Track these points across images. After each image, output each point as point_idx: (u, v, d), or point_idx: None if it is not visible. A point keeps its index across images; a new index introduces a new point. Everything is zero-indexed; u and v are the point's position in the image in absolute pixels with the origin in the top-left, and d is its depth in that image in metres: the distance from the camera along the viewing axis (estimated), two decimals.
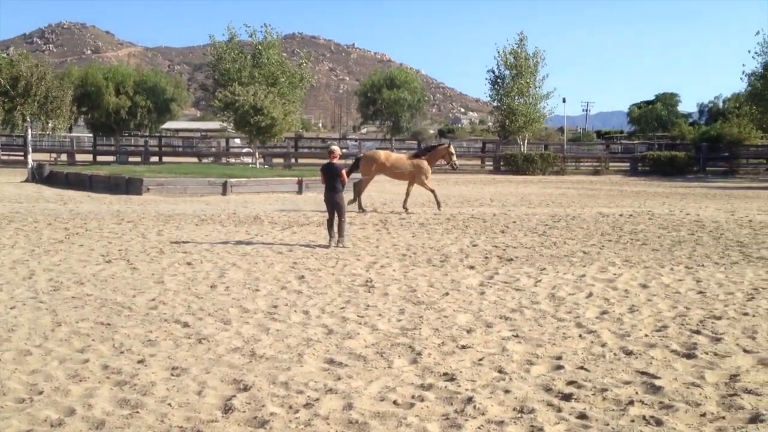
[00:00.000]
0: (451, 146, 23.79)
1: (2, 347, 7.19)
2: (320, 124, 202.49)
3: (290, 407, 5.66)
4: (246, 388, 6.07)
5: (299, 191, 29.25)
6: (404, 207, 22.09)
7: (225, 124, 50.47)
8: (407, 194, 22.56)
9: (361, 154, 27.75)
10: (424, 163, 22.70)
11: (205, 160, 53.40)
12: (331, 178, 14.74)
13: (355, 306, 9.29)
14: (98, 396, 5.86)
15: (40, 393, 5.91)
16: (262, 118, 42.92)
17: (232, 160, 53.45)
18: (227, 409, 5.61)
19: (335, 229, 14.59)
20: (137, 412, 5.52)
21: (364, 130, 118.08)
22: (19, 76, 35.13)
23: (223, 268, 11.88)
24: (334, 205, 14.64)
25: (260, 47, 50.38)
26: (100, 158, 53.84)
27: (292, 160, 52.52)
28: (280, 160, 52.66)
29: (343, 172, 14.86)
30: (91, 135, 63.38)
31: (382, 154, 23.63)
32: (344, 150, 48.42)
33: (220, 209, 22.00)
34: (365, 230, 17.18)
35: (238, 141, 61.17)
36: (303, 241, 15.21)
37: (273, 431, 5.18)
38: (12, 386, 6.04)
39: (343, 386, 6.16)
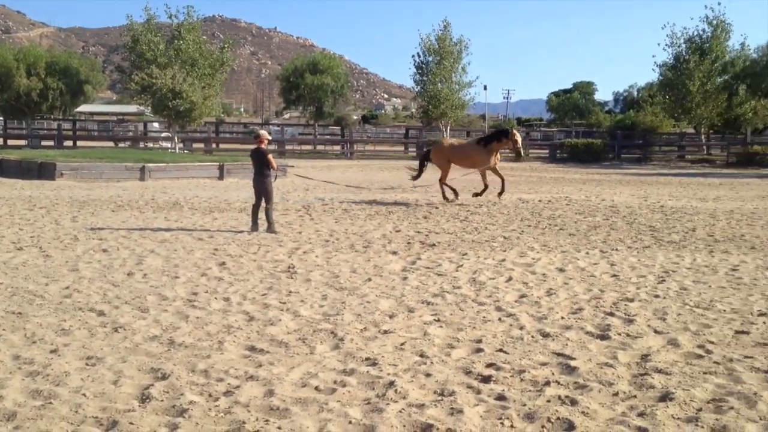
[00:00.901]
0: (517, 133, 21.55)
1: None
2: (242, 109, 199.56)
3: (210, 395, 5.59)
4: (164, 377, 5.96)
5: (220, 177, 28.83)
6: (478, 195, 21.46)
7: (142, 108, 49.25)
8: (485, 185, 21.40)
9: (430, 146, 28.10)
10: (492, 151, 20.98)
11: (121, 145, 51.99)
12: (259, 163, 14.59)
13: (277, 292, 9.23)
14: (9, 387, 5.65)
15: None
16: (181, 102, 42.08)
17: (151, 145, 52.26)
18: (144, 399, 5.50)
19: (261, 215, 14.47)
20: (50, 402, 5.36)
21: (286, 116, 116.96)
22: None
23: (141, 255, 11.61)
24: (261, 191, 14.51)
25: (179, 29, 49.23)
26: (11, 142, 51.90)
27: (213, 145, 51.67)
28: (201, 145, 51.77)
29: (270, 157, 14.69)
30: (0, 118, 60.88)
31: (448, 143, 22.93)
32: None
33: (137, 195, 21.48)
34: (288, 216, 17.06)
35: (156, 125, 59.75)
36: (224, 227, 15.00)
37: (192, 420, 5.10)
38: None
39: (265, 373, 6.11)
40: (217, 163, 30.05)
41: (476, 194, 21.43)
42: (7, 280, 9.59)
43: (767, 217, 18.09)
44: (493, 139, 21.27)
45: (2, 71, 53.35)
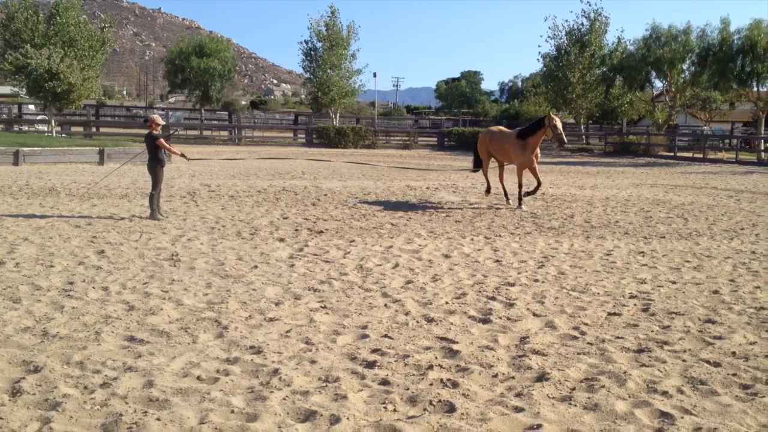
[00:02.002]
0: (556, 117, 17.05)
1: None
2: (125, 92, 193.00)
3: (85, 387, 5.39)
4: (36, 370, 5.70)
5: (101, 162, 27.75)
6: (516, 200, 18.18)
7: (17, 90, 46.74)
8: (519, 185, 18.03)
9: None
10: (529, 146, 17.33)
11: None
12: (150, 148, 14.19)
13: (159, 281, 8.98)
14: None
15: None
16: (58, 83, 40.17)
17: (26, 128, 49.72)
18: (15, 393, 5.25)
19: (155, 201, 14.11)
20: None
21: (172, 99, 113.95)
22: None
23: (14, 243, 11.05)
24: (151, 176, 14.18)
25: (57, 8, 46.92)
26: None
27: (93, 129, 49.68)
28: (80, 129, 49.67)
29: (162, 141, 14.25)
30: None
31: (488, 131, 19.28)
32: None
33: (10, 180, 20.41)
34: (172, 203, 16.62)
35: (32, 107, 56.90)
36: (104, 214, 14.47)
37: (66, 413, 4.91)
38: None
39: (144, 364, 5.94)
40: (98, 148, 28.90)
41: (528, 192, 18.13)
42: None
43: (640, 204, 19.01)
44: (528, 132, 17.36)
45: None
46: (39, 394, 5.24)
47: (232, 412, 5.03)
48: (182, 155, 15.01)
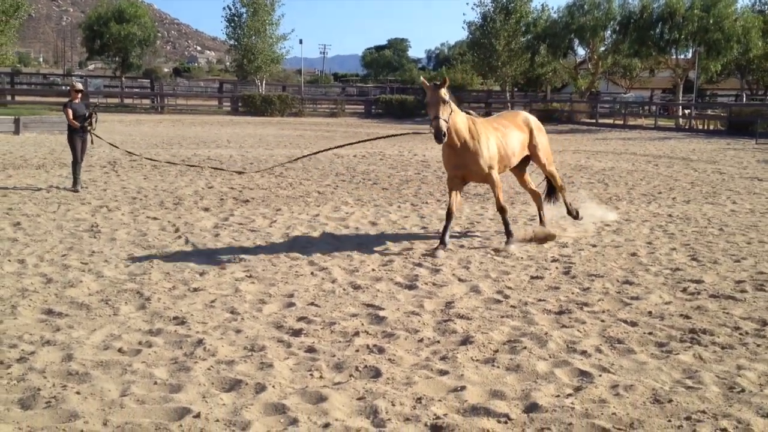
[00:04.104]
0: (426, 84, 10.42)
1: None
2: (41, 59, 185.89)
3: (1, 363, 5.22)
4: None
5: (16, 131, 26.71)
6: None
7: None
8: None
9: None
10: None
11: None
12: (79, 118, 13.72)
13: (79, 253, 8.74)
14: None
15: None
16: None
17: None
18: None
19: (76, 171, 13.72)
20: None
21: (91, 67, 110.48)
22: None
23: None
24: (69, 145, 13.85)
25: None
26: None
27: (8, 98, 47.78)
28: None
29: (65, 110, 13.78)
30: None
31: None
32: (68, 88, 44.72)
33: None
34: (91, 173, 16.14)
35: None
36: (20, 185, 13.97)
37: None
38: None
39: (63, 337, 5.79)
40: (13, 117, 27.80)
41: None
42: None
43: (562, 170, 19.38)
44: None
45: None
46: None
47: (155, 383, 4.95)
48: (82, 128, 13.96)
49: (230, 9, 53.85)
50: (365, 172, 18.02)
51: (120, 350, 5.56)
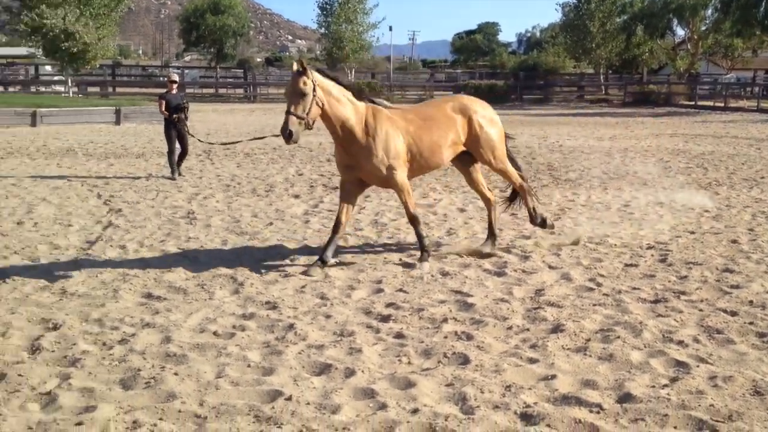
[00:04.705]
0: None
1: None
2: (140, 52, 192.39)
3: (104, 344, 5.45)
4: (56, 327, 5.77)
5: (117, 122, 27.78)
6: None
7: (33, 50, 46.65)
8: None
9: None
10: None
11: (11, 89, 49.33)
12: (173, 109, 14.06)
13: (176, 239, 9.03)
14: None
15: None
16: (74, 43, 40.09)
17: (43, 89, 49.79)
18: (35, 350, 5.32)
19: (172, 160, 14.13)
20: None
21: (187, 58, 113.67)
22: None
23: (32, 204, 11.13)
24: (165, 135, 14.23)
25: None
26: None
27: (110, 89, 49.71)
28: (97, 89, 49.70)
29: (161, 102, 14.23)
30: None
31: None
32: (166, 78, 46.06)
33: (28, 141, 20.49)
34: (187, 161, 16.60)
35: (49, 68, 56.91)
36: (120, 174, 14.53)
37: (84, 369, 4.97)
38: None
39: (162, 320, 6.00)
40: (114, 108, 28.93)
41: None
42: None
43: (659, 154, 18.81)
44: None
45: None
46: (58, 351, 5.31)
47: (249, 366, 5.08)
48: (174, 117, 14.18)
49: None
50: None
51: (215, 333, 5.72)
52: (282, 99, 35.71)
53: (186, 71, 60.25)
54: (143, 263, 7.83)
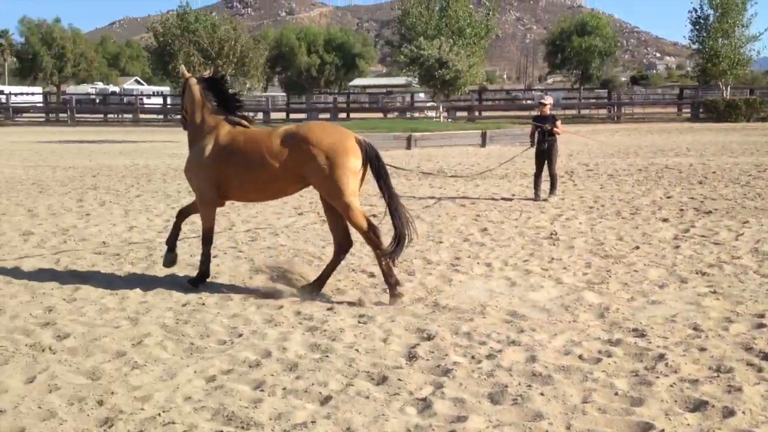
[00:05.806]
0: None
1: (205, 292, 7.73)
2: (504, 76, 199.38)
3: (473, 357, 5.67)
4: (429, 338, 6.14)
5: (482, 144, 29.03)
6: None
7: (410, 79, 50.81)
8: None
9: None
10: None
11: (390, 116, 54.24)
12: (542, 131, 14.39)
13: (539, 259, 9.12)
14: (291, 340, 6.16)
15: (240, 336, 6.31)
16: (447, 71, 42.82)
17: (417, 115, 53.95)
18: (411, 357, 5.71)
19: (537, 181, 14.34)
20: (327, 356, 5.75)
21: (549, 81, 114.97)
22: (218, 38, 37.25)
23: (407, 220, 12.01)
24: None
25: (448, 0, 49.93)
26: (292, 116, 56.14)
27: (476, 113, 52.17)
28: (464, 114, 52.50)
29: (532, 126, 14.54)
30: (284, 94, 66.23)
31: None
32: (530, 101, 47.06)
33: (404, 163, 22.27)
34: (546, 183, 16.74)
35: (422, 95, 61.54)
36: (486, 194, 15.11)
37: (456, 380, 5.22)
38: (214, 329, 6.50)
39: (526, 339, 6.08)
40: (480, 131, 30.29)
41: None
42: (289, 243, 10.44)
43: None
44: None
45: (286, 50, 57.97)
46: (432, 360, 5.64)
47: (616, 394, 4.92)
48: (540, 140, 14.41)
49: (696, 11, 51.49)
50: None
51: (580, 357, 5.64)
52: (647, 119, 34.36)
53: (548, 93, 60.98)
54: (508, 281, 8.03)
